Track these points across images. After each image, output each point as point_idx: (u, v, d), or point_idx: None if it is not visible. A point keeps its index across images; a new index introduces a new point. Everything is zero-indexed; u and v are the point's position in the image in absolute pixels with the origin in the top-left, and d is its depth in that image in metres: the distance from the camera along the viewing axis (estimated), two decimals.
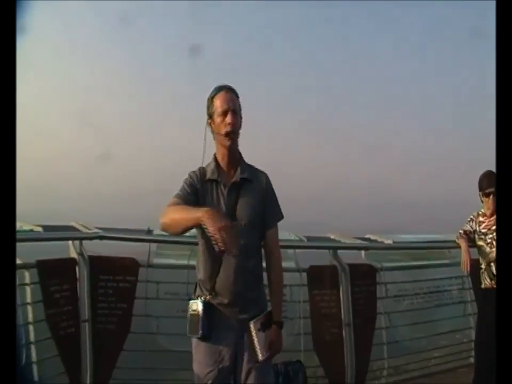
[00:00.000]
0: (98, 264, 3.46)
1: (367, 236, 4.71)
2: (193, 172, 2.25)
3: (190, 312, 2.17)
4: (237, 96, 2.25)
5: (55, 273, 3.30)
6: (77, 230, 3.59)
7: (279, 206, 2.35)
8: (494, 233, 3.70)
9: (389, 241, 4.60)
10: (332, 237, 4.33)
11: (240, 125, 2.25)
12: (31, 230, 3.40)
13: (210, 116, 2.22)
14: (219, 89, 2.23)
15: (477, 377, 3.78)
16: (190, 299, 2.24)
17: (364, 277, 4.18)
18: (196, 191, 2.19)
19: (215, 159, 2.26)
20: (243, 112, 2.27)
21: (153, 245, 3.70)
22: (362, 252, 4.43)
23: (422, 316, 4.66)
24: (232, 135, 2.19)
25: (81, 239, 3.45)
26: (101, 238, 3.51)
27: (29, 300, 3.24)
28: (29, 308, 3.23)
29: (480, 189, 3.77)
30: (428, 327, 4.67)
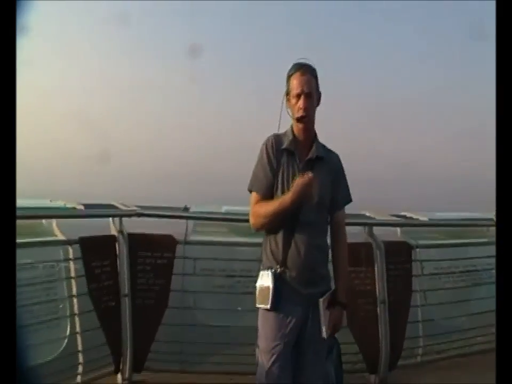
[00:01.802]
0: (137, 241, 3.54)
1: (402, 213, 4.65)
2: (269, 140, 2.26)
3: (260, 283, 2.19)
4: (315, 76, 2.24)
5: (96, 249, 3.41)
6: (117, 208, 3.69)
7: (348, 188, 2.37)
8: None
9: (425, 219, 4.53)
10: (367, 214, 4.29)
11: (318, 104, 2.26)
12: (74, 208, 3.51)
13: (288, 93, 2.24)
14: (296, 68, 2.22)
15: None
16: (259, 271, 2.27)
17: (399, 254, 4.13)
18: (273, 165, 2.21)
19: (292, 131, 2.26)
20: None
21: (190, 222, 3.76)
22: (398, 229, 4.39)
23: (459, 295, 4.59)
24: (305, 119, 2.20)
25: (120, 216, 3.54)
26: (139, 215, 3.59)
27: (72, 274, 3.38)
28: (73, 282, 3.36)
29: None
30: (464, 306, 4.61)
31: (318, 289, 2.22)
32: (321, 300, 2.19)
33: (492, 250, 4.66)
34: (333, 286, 2.32)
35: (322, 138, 2.31)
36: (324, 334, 2.19)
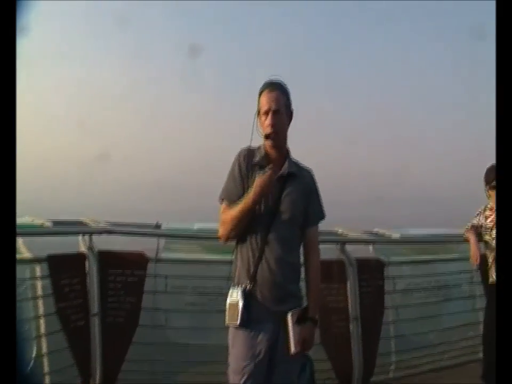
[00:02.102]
0: (107, 259, 3.49)
1: (374, 230, 4.70)
2: (241, 153, 2.25)
3: (230, 300, 2.16)
4: (284, 93, 2.23)
5: (65, 267, 3.34)
6: (87, 224, 3.63)
7: (322, 205, 2.36)
8: None
9: (397, 235, 4.60)
10: (340, 231, 4.33)
11: (290, 121, 2.26)
12: (42, 225, 3.44)
13: (259, 112, 2.23)
14: (265, 85, 2.23)
15: (485, 372, 3.77)
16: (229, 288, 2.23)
17: (372, 271, 4.17)
18: (242, 180, 2.20)
19: (265, 148, 2.26)
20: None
21: (162, 240, 3.73)
22: (370, 246, 4.43)
23: (430, 311, 4.65)
24: (272, 136, 2.19)
25: (90, 233, 3.49)
26: (110, 232, 3.55)
27: (39, 293, 3.29)
28: (40, 302, 3.28)
29: (487, 183, 3.75)
30: (436, 322, 4.67)
31: (288, 306, 2.19)
32: (289, 314, 2.17)
33: (462, 265, 4.76)
34: (305, 303, 2.31)
35: (294, 154, 2.32)
36: (293, 350, 2.16)
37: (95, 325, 3.40)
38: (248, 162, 2.21)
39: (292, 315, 2.17)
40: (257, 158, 2.22)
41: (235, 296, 2.14)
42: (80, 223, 3.66)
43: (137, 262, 3.56)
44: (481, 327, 4.61)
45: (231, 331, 2.19)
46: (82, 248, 3.45)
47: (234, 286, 2.20)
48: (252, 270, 2.16)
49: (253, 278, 2.15)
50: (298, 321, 2.18)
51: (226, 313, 2.17)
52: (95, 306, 3.40)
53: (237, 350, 2.16)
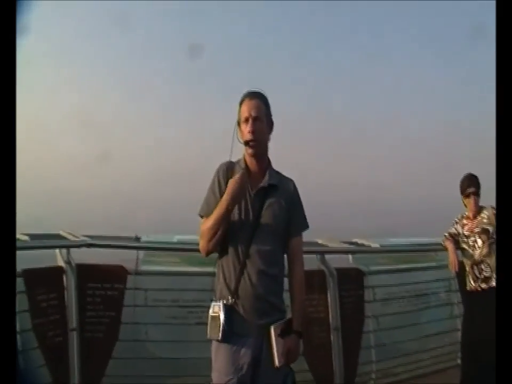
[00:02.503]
0: (86, 272, 3.44)
1: (354, 240, 4.74)
2: (221, 167, 2.24)
3: (211, 314, 2.13)
4: (265, 103, 2.24)
5: (42, 282, 3.27)
6: (64, 238, 3.57)
7: (304, 215, 2.34)
8: (476, 236, 3.78)
9: (376, 245, 4.64)
10: (319, 241, 4.35)
11: (270, 131, 2.26)
12: (17, 239, 3.37)
13: (239, 122, 2.23)
14: (245, 95, 2.23)
15: (464, 378, 3.83)
16: (211, 301, 2.20)
17: (352, 281, 4.21)
18: (222, 195, 2.17)
19: (245, 160, 2.25)
20: None
21: (141, 252, 3.70)
22: (350, 256, 4.46)
23: (410, 319, 4.70)
24: (252, 143, 2.18)
25: (68, 247, 3.44)
26: (89, 245, 3.50)
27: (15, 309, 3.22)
28: (15, 318, 3.20)
29: (462, 192, 3.85)
30: (415, 330, 4.71)
31: (271, 319, 2.17)
32: (272, 327, 2.15)
33: (440, 273, 4.84)
34: (288, 316, 2.28)
35: (275, 165, 2.32)
36: (277, 363, 2.13)
37: (74, 340, 3.34)
38: (228, 177, 2.20)
39: (275, 328, 2.15)
40: (237, 172, 2.21)
41: (217, 310, 2.12)
42: (58, 236, 3.59)
43: (116, 275, 3.52)
44: (459, 333, 4.70)
45: (214, 345, 2.16)
46: (60, 262, 3.39)
47: (216, 299, 2.17)
48: (233, 283, 2.14)
49: (234, 292, 2.14)
50: (282, 334, 2.17)
51: (208, 327, 2.14)
52: (73, 321, 3.34)
53: (220, 364, 2.13)
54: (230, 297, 2.13)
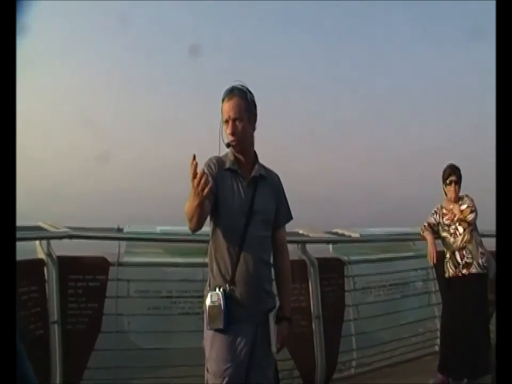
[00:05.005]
0: (67, 264, 3.40)
1: (334, 230, 4.80)
2: (211, 160, 2.24)
3: (209, 303, 2.13)
4: (244, 98, 2.22)
5: (22, 274, 3.22)
6: (44, 229, 3.53)
7: (289, 207, 2.40)
8: (457, 224, 3.89)
9: (356, 235, 4.71)
10: (300, 231, 4.39)
11: (254, 123, 2.27)
12: None
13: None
14: (226, 93, 2.23)
15: (442, 363, 3.93)
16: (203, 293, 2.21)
17: (332, 270, 4.27)
18: (215, 182, 2.15)
19: (233, 153, 2.26)
20: None
21: (123, 243, 3.68)
22: (330, 246, 4.52)
23: (389, 307, 4.79)
24: (233, 143, 2.21)
25: (49, 238, 3.39)
26: (70, 237, 3.46)
27: None
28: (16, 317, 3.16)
29: (443, 180, 3.97)
30: (394, 318, 4.81)
31: (267, 305, 2.23)
32: (271, 314, 2.20)
33: (419, 263, 4.94)
34: (276, 302, 2.33)
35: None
36: (274, 349, 2.20)
37: (55, 333, 3.31)
38: (218, 170, 2.21)
39: (272, 316, 2.20)
40: (227, 164, 2.24)
41: (216, 299, 2.12)
42: (38, 228, 3.55)
43: (98, 266, 3.49)
44: (436, 321, 4.81)
45: (209, 334, 2.16)
46: (40, 254, 3.35)
47: (210, 288, 2.18)
48: (230, 271, 2.16)
49: (232, 280, 2.15)
50: (277, 321, 2.23)
51: (207, 317, 2.14)
52: (54, 313, 3.31)
53: (217, 353, 2.14)
54: (227, 285, 2.15)
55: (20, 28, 1.39)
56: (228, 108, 2.20)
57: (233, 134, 2.19)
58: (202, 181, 1.89)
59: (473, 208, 3.88)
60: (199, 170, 1.91)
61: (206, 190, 1.90)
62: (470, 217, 3.85)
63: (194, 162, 1.90)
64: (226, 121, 2.20)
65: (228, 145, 2.22)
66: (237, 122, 2.20)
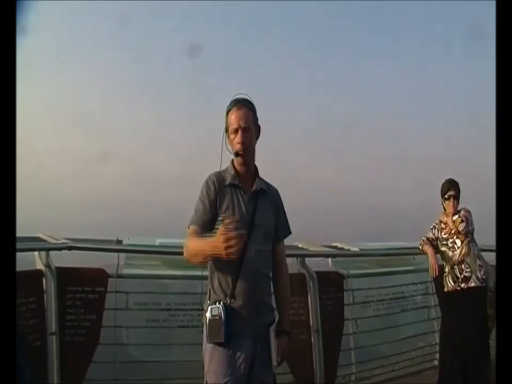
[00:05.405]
0: (66, 276, 3.40)
1: (334, 244, 4.80)
2: (210, 178, 2.26)
3: (210, 317, 2.12)
4: (252, 110, 2.26)
5: (20, 285, 3.22)
6: (43, 240, 3.53)
7: (287, 221, 2.41)
8: (454, 237, 3.90)
9: (356, 249, 4.71)
10: (300, 245, 4.40)
11: (258, 136, 2.30)
12: None
13: (227, 129, 2.26)
14: (233, 103, 2.25)
15: (441, 378, 3.91)
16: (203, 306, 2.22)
17: (331, 284, 4.26)
18: (215, 201, 2.20)
19: (234, 166, 2.28)
20: None
21: (122, 255, 3.68)
22: (330, 260, 4.52)
23: (388, 321, 4.77)
24: (242, 152, 2.22)
25: (48, 249, 3.40)
26: (69, 248, 3.46)
27: None
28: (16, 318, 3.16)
29: (442, 194, 4.00)
30: (394, 332, 4.79)
31: (265, 318, 2.23)
32: (271, 328, 2.20)
33: (418, 277, 4.93)
34: (276, 315, 2.33)
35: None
36: (275, 363, 2.19)
37: (53, 344, 3.29)
38: (219, 186, 2.23)
39: (273, 329, 2.20)
40: (228, 180, 2.25)
41: (216, 313, 2.11)
42: (37, 239, 3.55)
43: (97, 278, 3.49)
44: (435, 335, 4.79)
45: (209, 348, 2.16)
46: (39, 265, 3.35)
47: (210, 302, 2.18)
48: (231, 285, 2.16)
49: (232, 293, 2.15)
50: (277, 334, 2.23)
51: (206, 330, 2.13)
52: (52, 325, 3.30)
53: (216, 366, 2.13)
54: (228, 299, 2.15)
55: (20, 27, 1.40)
56: (237, 117, 2.22)
57: (243, 143, 2.21)
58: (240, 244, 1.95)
59: (463, 218, 3.88)
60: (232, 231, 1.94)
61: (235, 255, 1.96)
62: (461, 226, 3.85)
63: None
64: (235, 131, 2.21)
65: (237, 153, 2.23)
66: (247, 132, 2.22)
